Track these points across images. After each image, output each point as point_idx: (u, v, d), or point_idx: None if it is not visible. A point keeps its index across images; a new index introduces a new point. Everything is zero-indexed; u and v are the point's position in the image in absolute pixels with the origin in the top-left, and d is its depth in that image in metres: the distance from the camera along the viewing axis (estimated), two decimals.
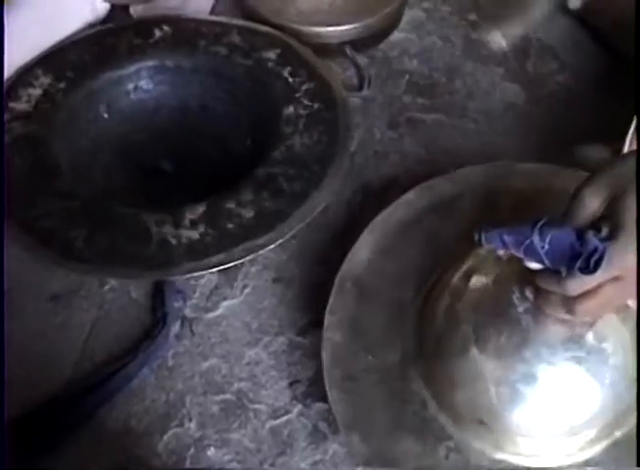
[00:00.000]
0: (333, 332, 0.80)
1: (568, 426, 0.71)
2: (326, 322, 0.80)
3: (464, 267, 0.77)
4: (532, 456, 0.72)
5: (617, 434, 0.73)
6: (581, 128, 0.97)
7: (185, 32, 0.98)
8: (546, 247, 0.62)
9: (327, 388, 0.77)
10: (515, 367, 0.70)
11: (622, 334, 0.71)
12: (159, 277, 0.84)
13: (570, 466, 0.72)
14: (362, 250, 0.85)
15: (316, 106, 0.90)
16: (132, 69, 0.95)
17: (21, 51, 0.93)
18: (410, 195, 0.88)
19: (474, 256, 0.77)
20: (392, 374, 0.77)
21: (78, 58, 0.95)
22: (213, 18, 1.04)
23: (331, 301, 0.82)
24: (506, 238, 0.64)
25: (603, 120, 0.97)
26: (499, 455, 0.73)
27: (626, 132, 0.84)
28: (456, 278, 0.77)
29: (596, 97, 1.02)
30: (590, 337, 0.69)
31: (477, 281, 0.75)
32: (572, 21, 1.11)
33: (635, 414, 0.72)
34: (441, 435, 0.74)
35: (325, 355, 0.79)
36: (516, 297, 0.70)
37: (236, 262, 0.78)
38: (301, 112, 0.90)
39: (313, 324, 0.84)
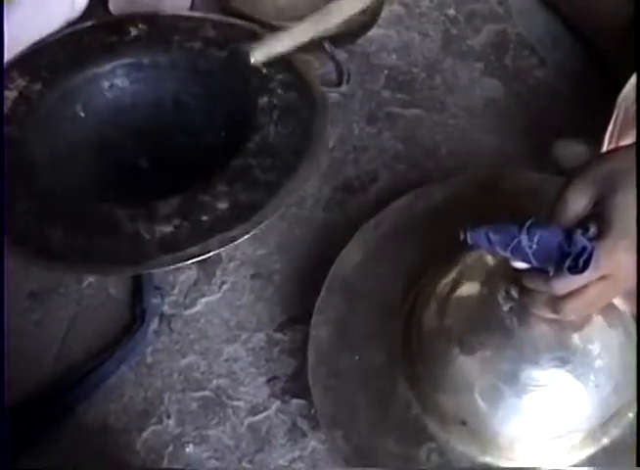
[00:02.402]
0: (319, 330, 0.80)
1: (552, 428, 0.71)
2: (313, 320, 0.81)
3: (452, 272, 0.78)
4: (515, 460, 0.72)
5: (605, 440, 0.72)
6: (560, 124, 0.98)
7: (160, 29, 0.98)
8: (534, 247, 0.62)
9: (311, 385, 0.77)
10: (498, 367, 0.70)
11: (609, 336, 0.71)
12: (132, 272, 0.84)
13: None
14: (353, 251, 0.85)
15: (291, 96, 0.90)
16: (108, 67, 0.94)
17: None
18: (402, 201, 0.89)
19: (462, 261, 0.78)
20: (377, 374, 0.78)
21: (54, 58, 0.95)
22: (189, 13, 1.04)
23: (319, 299, 0.82)
24: (492, 237, 0.63)
25: (582, 116, 0.97)
26: (482, 458, 0.72)
27: (605, 128, 0.84)
28: (444, 282, 0.77)
29: (575, 92, 1.02)
30: (576, 338, 0.69)
31: (463, 285, 0.75)
32: (551, 16, 1.11)
33: (624, 420, 0.73)
34: (424, 436, 0.74)
35: (310, 353, 0.79)
36: (501, 296, 0.70)
37: (211, 254, 0.78)
38: (276, 102, 0.89)
39: (292, 321, 0.85)
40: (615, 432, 0.72)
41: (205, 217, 0.79)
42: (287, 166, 0.84)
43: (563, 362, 0.69)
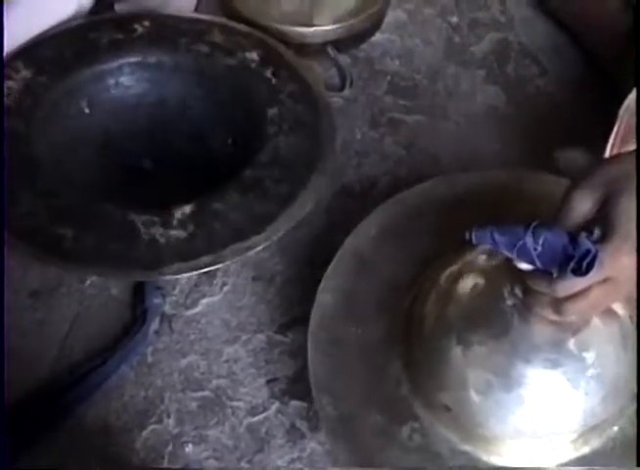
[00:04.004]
0: (325, 296, 0.81)
1: (534, 428, 0.71)
2: (321, 286, 0.81)
3: (459, 262, 0.78)
4: (494, 453, 0.72)
5: (585, 449, 0.73)
6: (561, 132, 0.98)
7: (166, 29, 0.97)
8: (539, 249, 0.62)
9: (309, 348, 0.78)
10: (491, 360, 0.71)
11: (607, 347, 0.71)
12: (149, 278, 0.83)
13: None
14: (370, 225, 0.86)
15: (299, 108, 0.90)
16: (113, 64, 0.94)
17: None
18: (427, 184, 0.90)
19: (470, 252, 0.78)
20: (374, 349, 0.78)
21: (59, 52, 0.93)
22: (195, 15, 1.03)
23: (330, 266, 0.83)
24: (498, 238, 0.64)
25: (583, 124, 0.98)
26: (462, 446, 0.73)
27: (607, 136, 0.85)
28: (450, 271, 0.78)
29: (576, 101, 1.03)
30: (572, 343, 0.70)
31: (469, 276, 0.76)
32: (553, 25, 1.12)
33: (607, 432, 0.73)
34: (409, 415, 0.74)
35: (314, 316, 0.79)
36: (507, 291, 0.70)
37: (226, 263, 0.78)
38: (285, 113, 0.89)
39: (293, 322, 0.85)
40: (596, 442, 0.73)
41: (218, 226, 0.79)
42: (298, 178, 0.84)
43: (554, 364, 0.70)
